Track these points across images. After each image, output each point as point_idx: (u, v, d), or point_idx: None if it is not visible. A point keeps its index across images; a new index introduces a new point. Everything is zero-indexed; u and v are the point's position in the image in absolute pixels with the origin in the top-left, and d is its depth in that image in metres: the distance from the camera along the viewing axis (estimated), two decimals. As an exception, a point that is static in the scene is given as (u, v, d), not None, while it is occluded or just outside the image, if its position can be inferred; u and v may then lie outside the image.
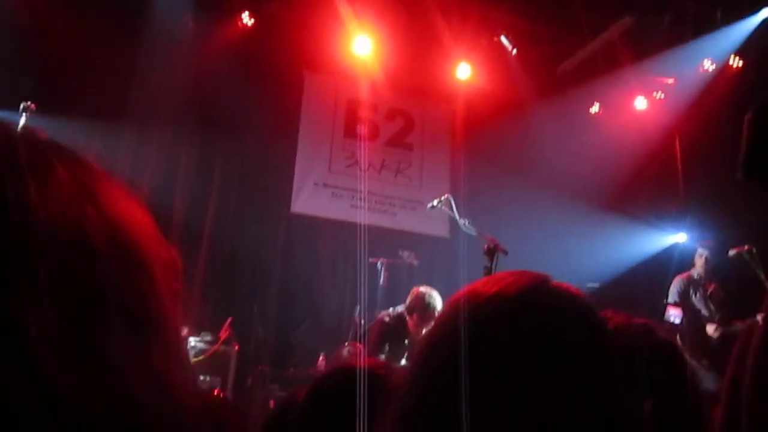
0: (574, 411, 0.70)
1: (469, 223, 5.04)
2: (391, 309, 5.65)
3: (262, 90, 7.64)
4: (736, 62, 7.99)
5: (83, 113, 6.82)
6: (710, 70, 7.98)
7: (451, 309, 0.79)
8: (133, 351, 0.49)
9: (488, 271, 4.37)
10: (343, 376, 1.13)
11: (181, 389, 0.52)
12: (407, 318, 5.36)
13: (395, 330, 5.44)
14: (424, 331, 5.22)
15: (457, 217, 5.11)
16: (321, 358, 6.62)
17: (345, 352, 5.59)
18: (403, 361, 5.23)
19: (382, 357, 5.34)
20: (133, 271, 0.52)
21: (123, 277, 0.51)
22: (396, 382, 0.81)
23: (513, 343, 0.73)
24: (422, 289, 5.38)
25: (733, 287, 6.34)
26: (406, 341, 5.42)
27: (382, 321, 5.55)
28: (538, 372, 0.71)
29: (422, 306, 5.25)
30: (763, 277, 5.51)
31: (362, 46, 7.58)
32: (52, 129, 6.26)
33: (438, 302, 5.24)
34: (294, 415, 1.19)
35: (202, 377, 5.89)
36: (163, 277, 0.55)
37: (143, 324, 0.51)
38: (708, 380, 5.71)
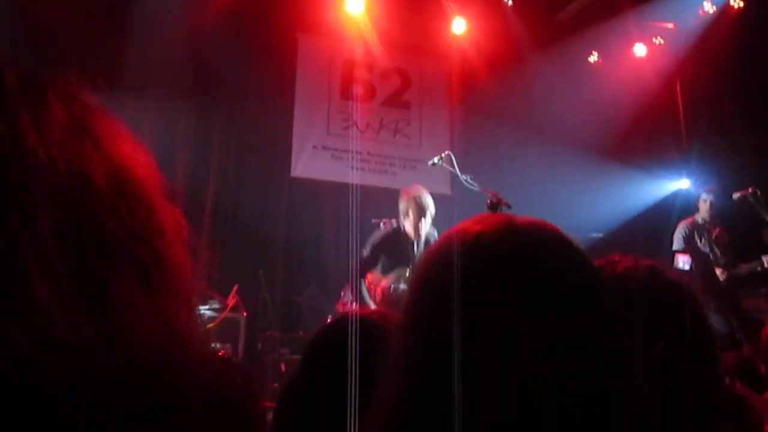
0: (564, 344, 0.70)
1: (470, 178, 5.01)
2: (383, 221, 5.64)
3: (257, 54, 7.54)
4: (737, 2, 7.83)
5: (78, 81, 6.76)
6: (711, 12, 7.83)
7: (440, 247, 0.80)
8: (141, 296, 0.46)
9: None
10: (338, 328, 1.13)
11: (190, 338, 0.50)
12: (403, 223, 5.35)
13: (389, 240, 5.43)
14: (423, 234, 5.25)
15: (459, 173, 5.08)
16: (329, 320, 6.68)
17: (345, 298, 5.56)
18: (395, 278, 5.21)
19: (377, 272, 5.33)
20: (139, 212, 0.49)
21: (128, 218, 0.48)
22: (393, 328, 0.81)
23: (498, 278, 0.73)
24: (411, 189, 5.41)
25: (738, 230, 6.34)
26: (403, 252, 5.39)
27: (377, 230, 5.55)
28: (523, 306, 0.71)
29: (417, 204, 5.25)
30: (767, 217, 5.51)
31: (355, 5, 7.46)
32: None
33: (430, 199, 5.26)
34: (294, 371, 1.19)
35: (212, 344, 5.94)
36: (171, 222, 0.52)
37: (151, 268, 0.48)
38: (715, 322, 5.74)
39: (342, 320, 1.16)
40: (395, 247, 5.39)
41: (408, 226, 5.31)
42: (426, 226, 5.27)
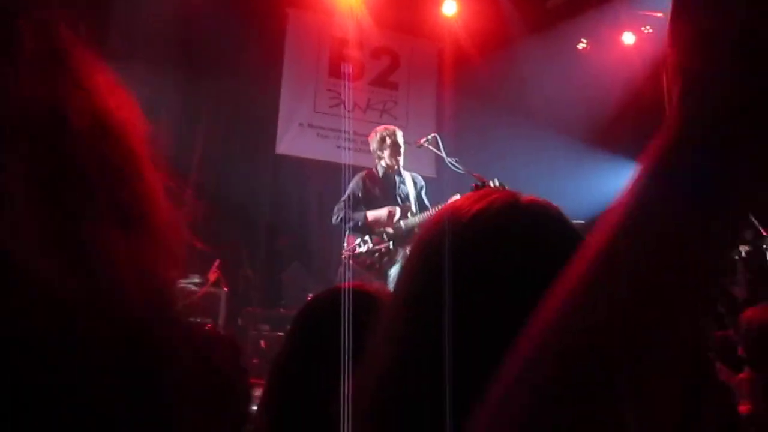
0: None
1: (456, 161, 5.02)
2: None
3: (246, 27, 7.44)
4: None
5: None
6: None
7: (433, 228, 0.78)
8: (122, 242, 0.44)
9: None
10: (329, 298, 1.13)
11: (171, 291, 0.48)
12: (378, 162, 5.37)
13: (365, 182, 5.44)
14: (400, 164, 5.26)
15: (445, 156, 5.08)
16: (310, 298, 6.68)
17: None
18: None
19: (362, 213, 5.30)
20: (119, 154, 0.46)
21: (108, 160, 0.45)
22: (385, 300, 0.80)
23: (495, 259, 0.72)
24: (380, 128, 5.49)
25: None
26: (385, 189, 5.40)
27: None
28: (520, 288, 0.69)
29: (392, 138, 5.29)
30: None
31: (346, -18, 7.40)
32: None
33: (401, 135, 5.30)
34: (284, 339, 1.19)
35: (192, 319, 5.93)
36: (152, 166, 0.50)
37: (132, 212, 0.46)
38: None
39: (334, 292, 1.16)
40: (374, 186, 5.38)
41: (387, 158, 5.30)
42: (401, 161, 5.28)
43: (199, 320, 5.94)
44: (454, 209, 0.78)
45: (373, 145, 5.37)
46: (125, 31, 6.93)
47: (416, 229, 5.13)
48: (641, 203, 0.46)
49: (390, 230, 5.09)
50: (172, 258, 0.49)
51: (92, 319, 0.41)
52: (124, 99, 0.51)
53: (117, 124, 0.47)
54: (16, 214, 0.39)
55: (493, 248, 0.72)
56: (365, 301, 1.03)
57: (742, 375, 1.56)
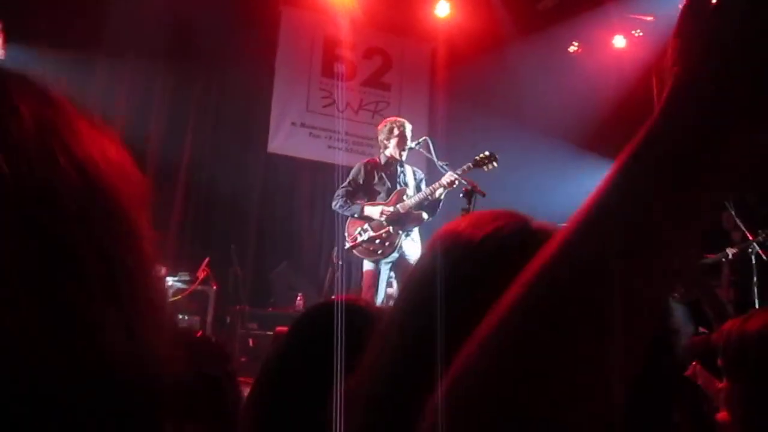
0: None
1: (447, 165, 5.03)
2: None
3: (240, 23, 7.42)
4: None
5: (51, 44, 6.62)
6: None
7: (440, 245, 0.77)
8: (111, 319, 0.43)
9: (467, 212, 4.39)
10: (322, 311, 1.13)
11: (161, 356, 0.47)
12: (384, 149, 5.44)
13: (368, 170, 5.48)
14: (404, 156, 5.34)
15: (435, 159, 5.09)
16: (299, 297, 6.68)
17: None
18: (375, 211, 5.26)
19: (359, 207, 5.33)
20: (112, 233, 0.45)
21: (100, 240, 0.44)
22: (378, 317, 0.80)
23: (505, 283, 0.72)
24: (390, 118, 5.58)
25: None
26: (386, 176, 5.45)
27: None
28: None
29: (400, 129, 5.35)
30: (732, 211, 5.60)
31: (340, -18, 7.40)
32: (17, 61, 6.09)
33: (410, 129, 5.39)
34: (275, 353, 1.19)
35: (180, 316, 5.92)
36: (145, 230, 0.49)
37: (122, 286, 0.45)
38: (682, 311, 5.87)
39: (326, 304, 1.16)
40: (375, 173, 5.44)
41: (392, 148, 5.37)
42: (404, 155, 5.37)
43: (186, 318, 5.94)
44: (461, 230, 0.77)
45: (381, 134, 5.42)
46: (119, 22, 6.89)
47: (413, 211, 5.21)
48: (614, 184, 0.49)
49: (389, 212, 5.17)
50: (160, 330, 0.48)
51: (83, 393, 0.41)
52: (115, 155, 0.49)
53: (108, 193, 0.46)
54: (5, 292, 0.39)
55: (503, 272, 0.73)
56: (362, 315, 1.03)
57: (721, 384, 1.57)
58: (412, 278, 0.79)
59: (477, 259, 0.73)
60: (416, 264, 0.80)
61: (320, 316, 1.14)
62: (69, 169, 0.44)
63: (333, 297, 1.26)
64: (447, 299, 0.70)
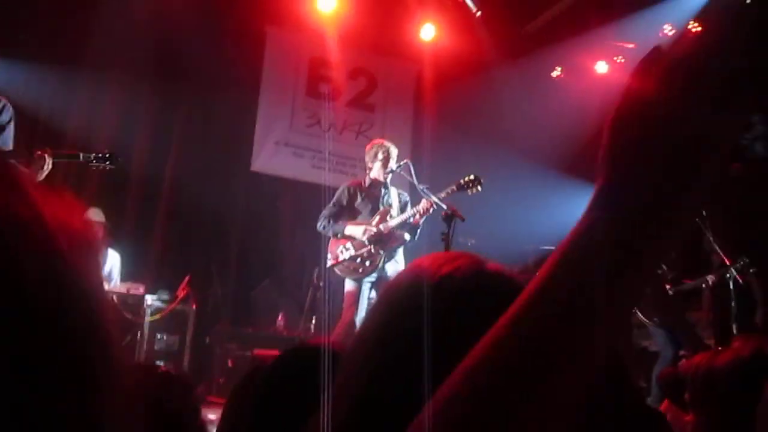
0: None
1: (427, 188, 5.06)
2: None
3: (224, 43, 7.43)
4: (695, 27, 8.04)
5: (37, 59, 6.61)
6: (670, 35, 8.03)
7: (402, 283, 0.81)
8: (74, 410, 0.42)
9: (446, 236, 4.42)
10: (302, 355, 1.12)
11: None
12: (370, 170, 5.53)
13: (352, 192, 5.56)
14: (388, 179, 5.42)
15: (416, 182, 5.12)
16: (280, 317, 6.65)
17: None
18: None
19: (342, 226, 5.37)
20: (78, 323, 0.44)
21: (66, 332, 0.43)
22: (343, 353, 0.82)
23: (459, 322, 0.74)
24: (377, 140, 5.71)
25: (685, 248, 6.48)
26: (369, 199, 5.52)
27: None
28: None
29: (385, 151, 5.45)
30: (711, 238, 5.66)
31: (326, 3, 7.44)
32: (2, 76, 6.07)
33: (395, 153, 5.50)
34: (254, 390, 1.19)
35: (159, 335, 5.87)
36: (109, 318, 0.48)
37: (89, 383, 0.44)
38: (659, 337, 5.91)
39: (307, 347, 1.16)
40: (359, 195, 5.52)
41: (376, 171, 5.45)
42: (389, 177, 5.46)
43: (165, 337, 5.89)
44: (423, 268, 0.80)
45: (367, 156, 5.49)
46: (105, 40, 6.88)
47: (395, 231, 5.28)
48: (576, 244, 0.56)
49: (371, 232, 5.21)
50: (122, 397, 0.47)
51: None
52: (80, 235, 0.47)
53: (76, 284, 0.45)
54: None
55: (457, 311, 0.76)
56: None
57: (688, 417, 1.60)
58: (374, 310, 0.82)
59: (435, 297, 0.76)
60: (384, 291, 0.83)
61: (291, 365, 1.14)
62: (34, 257, 0.42)
63: (306, 341, 1.26)
64: (404, 335, 0.74)
